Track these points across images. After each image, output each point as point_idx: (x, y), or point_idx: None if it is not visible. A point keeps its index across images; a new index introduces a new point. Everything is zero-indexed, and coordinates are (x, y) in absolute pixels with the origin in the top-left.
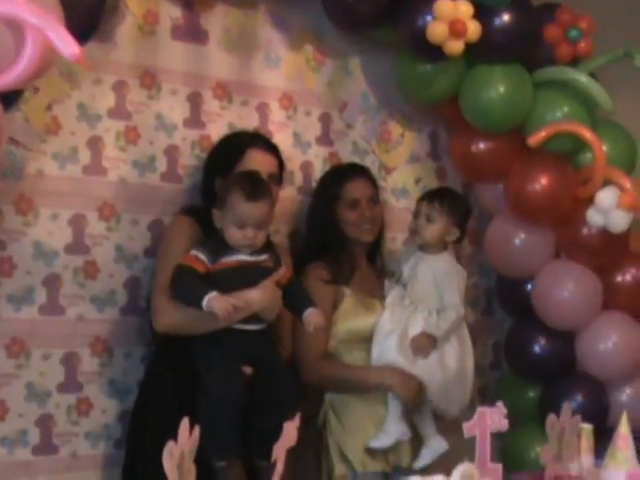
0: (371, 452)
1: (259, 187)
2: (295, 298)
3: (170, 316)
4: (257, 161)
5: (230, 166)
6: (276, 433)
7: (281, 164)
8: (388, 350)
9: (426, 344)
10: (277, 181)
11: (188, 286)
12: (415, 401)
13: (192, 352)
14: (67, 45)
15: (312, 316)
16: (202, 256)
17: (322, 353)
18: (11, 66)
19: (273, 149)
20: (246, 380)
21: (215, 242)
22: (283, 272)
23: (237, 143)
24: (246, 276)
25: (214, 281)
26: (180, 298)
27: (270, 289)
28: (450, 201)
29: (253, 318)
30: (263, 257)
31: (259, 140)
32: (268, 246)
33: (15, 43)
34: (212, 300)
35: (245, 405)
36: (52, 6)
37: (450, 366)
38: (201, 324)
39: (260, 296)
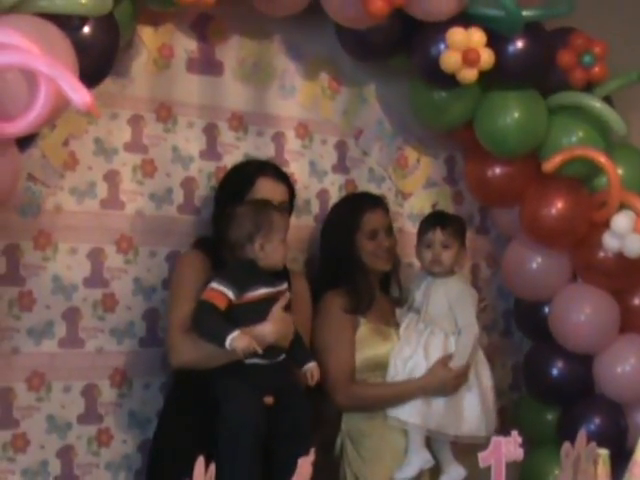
0: None
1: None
2: (296, 349)
3: (185, 354)
4: (267, 190)
5: (241, 196)
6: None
7: (291, 192)
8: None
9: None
10: (288, 210)
11: (210, 325)
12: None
13: (211, 382)
14: (78, 95)
15: (313, 371)
16: (227, 291)
17: (352, 377)
18: (25, 112)
19: (283, 178)
20: (266, 410)
21: (239, 273)
22: (287, 298)
23: (247, 172)
24: (268, 309)
25: (238, 315)
26: (202, 336)
27: (279, 318)
28: (457, 224)
29: (270, 352)
30: (284, 285)
31: (269, 169)
32: (285, 271)
33: (29, 89)
34: (235, 340)
35: (266, 436)
36: (65, 51)
37: (470, 391)
38: (216, 359)
39: (272, 328)
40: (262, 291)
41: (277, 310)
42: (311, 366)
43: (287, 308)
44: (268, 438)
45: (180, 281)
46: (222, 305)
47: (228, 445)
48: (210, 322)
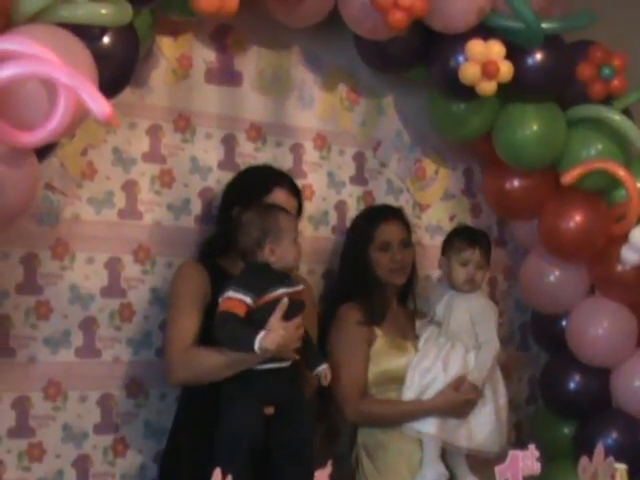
0: None
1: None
2: (307, 353)
3: (183, 370)
4: (282, 201)
5: (253, 199)
6: (294, 473)
7: (299, 208)
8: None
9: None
10: None
11: (234, 334)
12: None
13: (219, 391)
14: (98, 105)
15: (326, 372)
16: (244, 297)
17: (363, 392)
18: (45, 122)
19: (297, 193)
20: (266, 419)
21: (255, 277)
22: (284, 307)
23: (264, 179)
24: (288, 310)
25: (259, 317)
26: (227, 347)
27: (279, 328)
28: (489, 244)
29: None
30: (301, 286)
31: (286, 181)
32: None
33: (48, 99)
34: (263, 341)
35: (263, 445)
36: (85, 61)
37: (485, 406)
38: (214, 375)
39: (272, 338)
40: (280, 291)
41: (275, 320)
42: (324, 368)
43: (301, 311)
44: (267, 447)
45: (178, 296)
46: (241, 312)
47: (222, 450)
48: (233, 331)
